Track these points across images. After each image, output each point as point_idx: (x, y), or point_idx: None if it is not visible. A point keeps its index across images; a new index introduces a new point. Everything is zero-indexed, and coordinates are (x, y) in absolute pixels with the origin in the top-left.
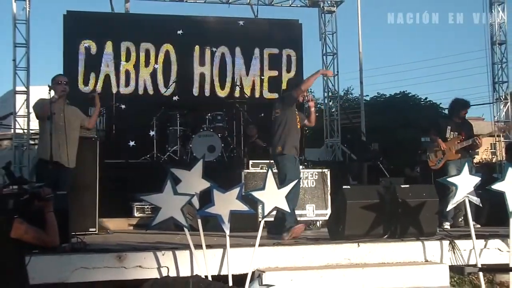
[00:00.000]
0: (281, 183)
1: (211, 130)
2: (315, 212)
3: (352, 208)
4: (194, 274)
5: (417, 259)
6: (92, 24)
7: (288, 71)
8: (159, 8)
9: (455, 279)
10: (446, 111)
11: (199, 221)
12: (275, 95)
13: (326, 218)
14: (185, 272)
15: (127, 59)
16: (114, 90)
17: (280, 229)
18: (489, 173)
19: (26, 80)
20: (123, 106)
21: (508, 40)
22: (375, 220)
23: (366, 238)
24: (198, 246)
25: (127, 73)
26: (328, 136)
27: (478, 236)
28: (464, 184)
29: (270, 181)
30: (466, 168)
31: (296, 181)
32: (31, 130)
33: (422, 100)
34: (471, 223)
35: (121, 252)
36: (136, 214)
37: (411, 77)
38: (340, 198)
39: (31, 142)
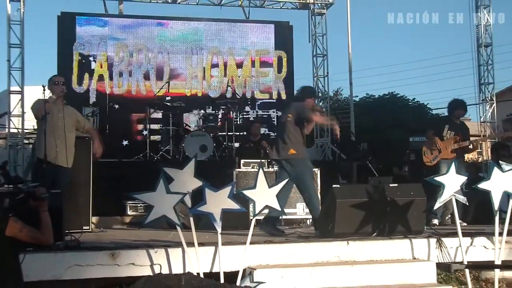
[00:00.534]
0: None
1: (203, 130)
2: (305, 210)
3: (341, 206)
4: (187, 271)
5: (405, 257)
6: (86, 25)
7: (279, 72)
8: (152, 10)
9: (442, 276)
10: (434, 112)
11: (191, 219)
12: (266, 96)
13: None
14: (177, 269)
15: (121, 59)
16: (108, 90)
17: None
18: (475, 172)
19: (21, 80)
20: (116, 106)
21: (493, 42)
22: (364, 218)
23: (355, 236)
24: (190, 244)
25: (120, 73)
26: (318, 136)
27: (465, 234)
28: (451, 183)
29: (261, 180)
30: (453, 168)
31: (287, 179)
32: (26, 129)
33: (410, 101)
34: (458, 221)
35: (114, 249)
36: (129, 212)
37: (399, 78)
38: (330, 196)
39: (26, 141)
